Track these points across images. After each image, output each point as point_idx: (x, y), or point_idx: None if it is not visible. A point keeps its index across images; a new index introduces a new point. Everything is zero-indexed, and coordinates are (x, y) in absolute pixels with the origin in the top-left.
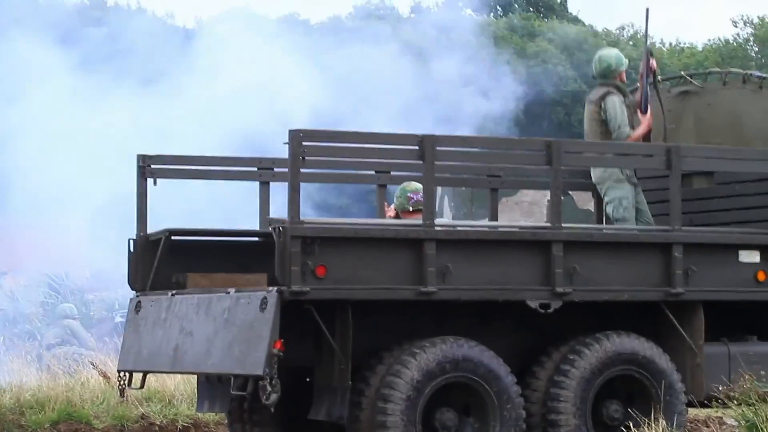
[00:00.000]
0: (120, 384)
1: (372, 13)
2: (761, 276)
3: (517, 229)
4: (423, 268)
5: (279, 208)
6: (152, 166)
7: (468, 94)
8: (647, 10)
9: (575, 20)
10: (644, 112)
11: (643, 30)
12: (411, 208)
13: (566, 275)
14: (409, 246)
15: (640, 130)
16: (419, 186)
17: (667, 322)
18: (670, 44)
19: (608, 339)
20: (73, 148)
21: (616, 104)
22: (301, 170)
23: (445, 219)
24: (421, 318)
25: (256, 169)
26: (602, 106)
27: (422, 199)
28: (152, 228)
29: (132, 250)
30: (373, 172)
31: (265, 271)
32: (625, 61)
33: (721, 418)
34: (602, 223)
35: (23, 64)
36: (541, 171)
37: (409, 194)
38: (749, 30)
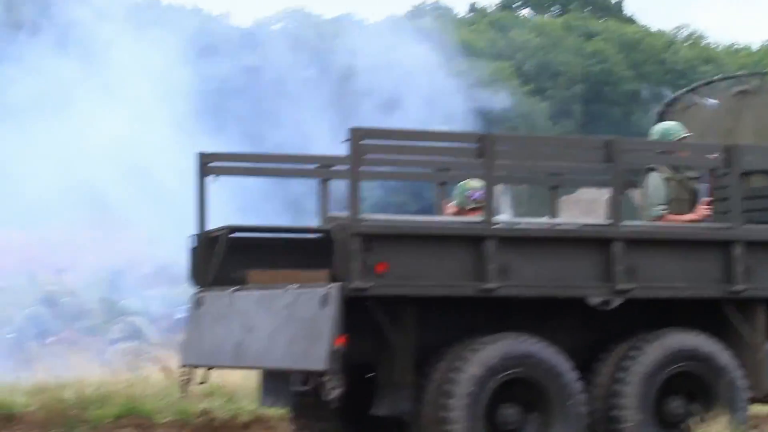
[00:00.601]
0: (182, 379)
1: (428, 12)
2: None
3: (577, 227)
4: (483, 264)
5: (335, 206)
6: (212, 163)
7: (524, 93)
8: None
9: (630, 21)
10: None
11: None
12: (470, 206)
13: (627, 272)
14: (469, 243)
15: (688, 216)
16: (478, 184)
17: (727, 319)
18: (727, 45)
19: (669, 336)
20: (134, 147)
21: (652, 182)
22: (361, 168)
23: (505, 216)
24: (482, 314)
25: (316, 166)
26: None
27: (481, 197)
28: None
29: (193, 246)
30: (431, 170)
31: (326, 268)
32: (675, 132)
33: None
34: None
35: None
36: (600, 169)
37: (468, 192)
38: None
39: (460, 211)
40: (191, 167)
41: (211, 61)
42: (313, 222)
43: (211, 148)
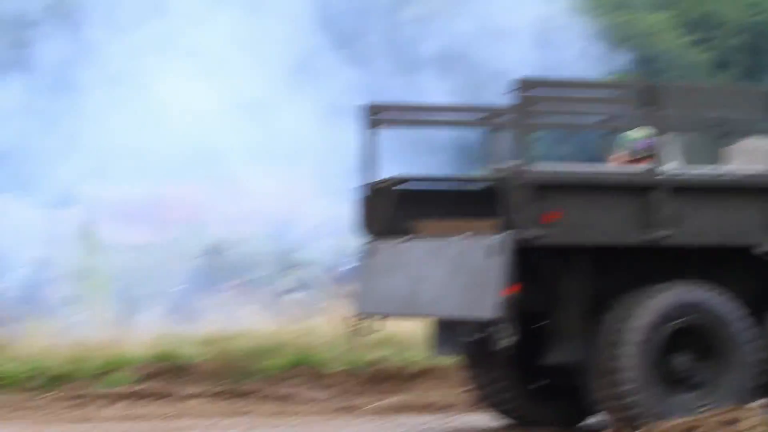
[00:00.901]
0: (353, 329)
1: None
2: None
3: (743, 176)
4: (652, 214)
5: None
6: (380, 114)
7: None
8: None
9: None
10: None
11: None
12: (636, 156)
13: None
14: (638, 192)
15: None
16: (645, 133)
17: None
18: None
19: None
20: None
21: None
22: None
23: (673, 166)
24: (652, 263)
25: (483, 116)
26: None
27: (649, 147)
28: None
29: (364, 197)
30: (599, 120)
31: (494, 217)
32: None
33: None
34: None
35: None
36: (765, 119)
37: (635, 142)
38: None
39: (627, 160)
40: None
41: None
42: (478, 172)
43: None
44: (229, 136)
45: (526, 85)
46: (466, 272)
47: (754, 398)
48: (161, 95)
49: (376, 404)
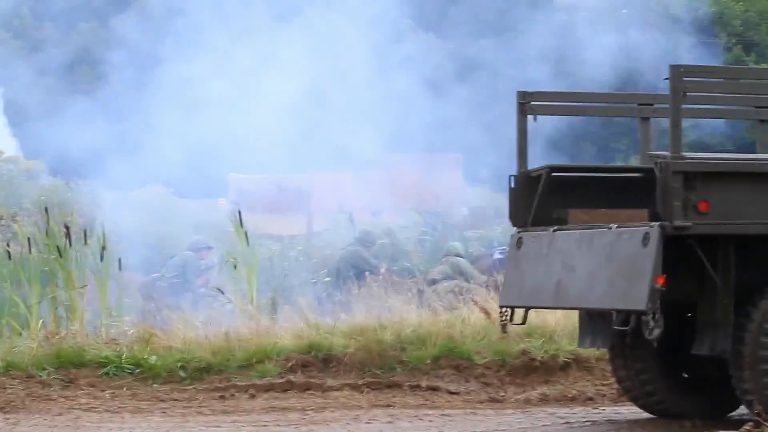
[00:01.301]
0: (502, 320)
1: None
2: None
3: None
4: None
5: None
6: (532, 102)
7: None
8: None
9: None
10: None
11: None
12: None
13: None
14: None
15: None
16: None
17: None
18: None
19: None
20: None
21: None
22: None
23: None
24: None
25: (635, 105)
26: None
27: None
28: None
29: (513, 186)
30: (752, 108)
31: (646, 207)
32: None
33: None
34: None
35: None
36: None
37: None
38: None
39: None
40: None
41: None
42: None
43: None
44: (362, 123)
45: (679, 72)
46: (616, 262)
47: None
48: (278, 84)
49: (521, 396)
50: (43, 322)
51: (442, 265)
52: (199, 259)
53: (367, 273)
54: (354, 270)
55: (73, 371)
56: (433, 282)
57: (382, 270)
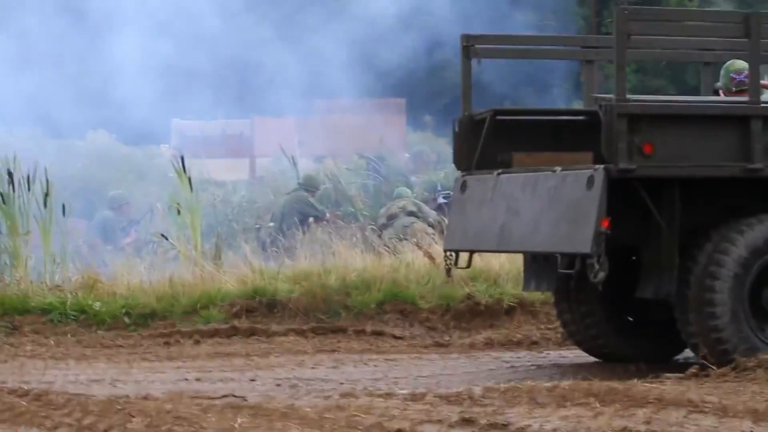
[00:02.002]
0: (446, 264)
1: None
2: None
3: None
4: (749, 145)
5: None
6: (476, 45)
7: None
8: None
9: None
10: None
11: None
12: (734, 88)
13: None
14: (735, 123)
15: None
16: (743, 65)
17: None
18: None
19: None
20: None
21: None
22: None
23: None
24: (747, 195)
25: (579, 48)
26: None
27: (746, 79)
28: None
29: (457, 130)
30: (697, 51)
31: (591, 150)
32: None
33: None
34: None
35: None
36: None
37: (732, 74)
38: None
39: (725, 93)
40: None
41: None
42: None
43: None
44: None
45: (624, 15)
46: (561, 205)
47: None
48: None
49: (466, 340)
50: None
51: (387, 209)
52: (120, 215)
53: (311, 219)
54: (298, 215)
55: (18, 318)
56: (379, 227)
57: (327, 215)
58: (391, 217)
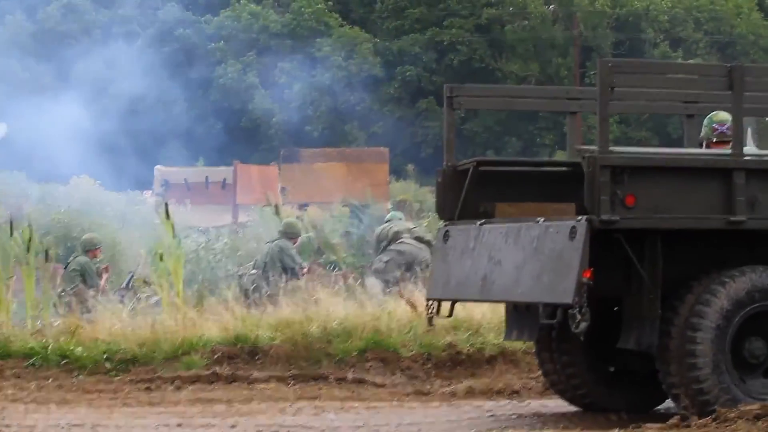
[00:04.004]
0: (428, 313)
1: None
2: None
3: None
4: (732, 197)
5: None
6: (459, 96)
7: None
8: None
9: None
10: None
11: None
12: (715, 139)
13: None
14: (718, 175)
15: None
16: (725, 116)
17: None
18: None
19: None
20: None
21: None
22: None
23: (751, 148)
24: (730, 247)
25: (563, 99)
26: None
27: (727, 131)
28: None
29: (440, 180)
30: (680, 104)
31: (574, 201)
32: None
33: None
34: None
35: None
36: None
37: (714, 125)
38: None
39: (706, 144)
40: None
41: None
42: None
43: None
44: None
45: (607, 67)
46: (543, 256)
47: None
48: None
49: (447, 389)
50: None
51: (368, 258)
52: (92, 258)
53: (295, 266)
54: (281, 263)
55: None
56: (360, 275)
57: (305, 269)
58: (362, 275)
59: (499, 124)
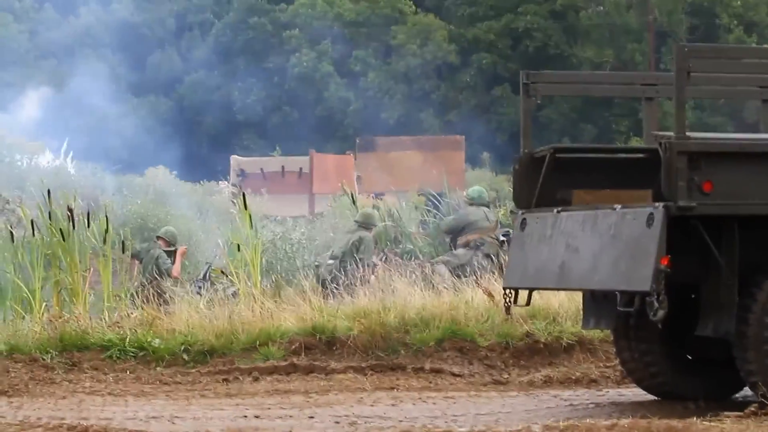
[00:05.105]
0: (505, 301)
1: None
2: None
3: None
4: None
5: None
6: (536, 83)
7: None
8: None
9: None
10: None
11: None
12: None
13: None
14: None
15: None
16: None
17: None
18: None
19: None
20: None
21: None
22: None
23: None
24: None
25: (639, 85)
26: None
27: None
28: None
29: (517, 167)
30: (757, 88)
31: (650, 188)
32: None
33: None
34: None
35: None
36: None
37: None
38: None
39: None
40: None
41: None
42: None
43: None
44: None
45: (684, 52)
46: (621, 243)
47: None
48: None
49: (525, 378)
50: (46, 305)
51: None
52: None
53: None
54: (360, 253)
55: (77, 355)
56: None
57: (389, 252)
58: (437, 263)
59: (574, 110)
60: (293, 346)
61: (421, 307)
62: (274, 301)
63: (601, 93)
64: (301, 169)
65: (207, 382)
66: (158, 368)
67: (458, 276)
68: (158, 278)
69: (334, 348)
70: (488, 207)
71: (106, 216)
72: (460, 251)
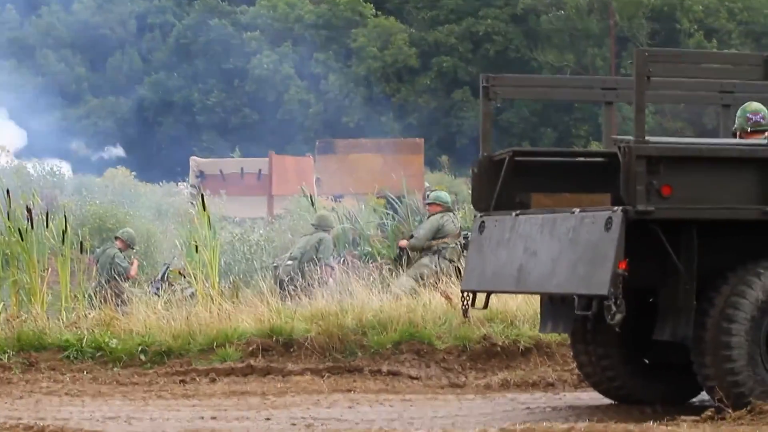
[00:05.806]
0: (463, 304)
1: None
2: None
3: None
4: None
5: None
6: (496, 86)
7: None
8: None
9: None
10: None
11: None
12: (750, 129)
13: None
14: (754, 165)
15: None
16: (758, 106)
17: None
18: None
19: None
20: None
21: None
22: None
23: None
24: (765, 238)
25: (599, 89)
26: None
27: (762, 120)
28: None
29: (476, 170)
30: (716, 93)
31: (609, 192)
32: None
33: None
34: None
35: None
36: None
37: (748, 114)
38: None
39: (741, 134)
40: None
41: None
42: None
43: None
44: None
45: (643, 56)
46: (579, 247)
47: None
48: None
49: (482, 381)
50: (3, 305)
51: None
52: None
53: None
54: (317, 255)
55: (34, 354)
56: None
57: (346, 256)
58: (397, 265)
59: (534, 114)
60: (250, 348)
61: (378, 309)
62: (232, 303)
63: (561, 97)
64: (260, 170)
65: (164, 383)
66: (115, 369)
67: (417, 280)
68: (116, 279)
69: (292, 350)
70: (452, 212)
71: (65, 216)
72: (425, 260)
